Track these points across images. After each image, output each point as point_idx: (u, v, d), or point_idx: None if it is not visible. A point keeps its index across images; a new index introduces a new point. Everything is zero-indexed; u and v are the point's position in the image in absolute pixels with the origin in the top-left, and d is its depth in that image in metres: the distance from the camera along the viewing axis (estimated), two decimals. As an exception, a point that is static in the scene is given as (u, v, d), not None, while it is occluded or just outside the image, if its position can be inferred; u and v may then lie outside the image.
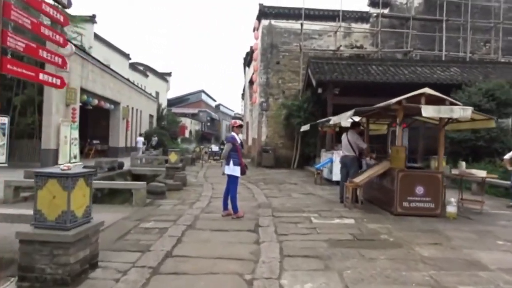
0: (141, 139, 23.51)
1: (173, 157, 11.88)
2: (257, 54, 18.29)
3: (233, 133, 6.09)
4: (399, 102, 6.03)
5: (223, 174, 6.15)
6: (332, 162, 10.56)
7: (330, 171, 10.78)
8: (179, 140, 38.51)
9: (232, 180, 5.89)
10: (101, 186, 7.48)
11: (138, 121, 26.27)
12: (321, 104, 15.67)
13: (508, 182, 7.67)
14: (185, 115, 51.55)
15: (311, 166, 15.76)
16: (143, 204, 6.68)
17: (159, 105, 32.95)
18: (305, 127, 12.76)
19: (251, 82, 21.01)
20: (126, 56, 29.48)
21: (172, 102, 54.76)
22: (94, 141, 22.37)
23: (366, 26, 17.87)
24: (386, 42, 17.69)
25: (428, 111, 5.25)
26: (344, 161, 7.23)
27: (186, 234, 4.79)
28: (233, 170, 5.80)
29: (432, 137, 15.01)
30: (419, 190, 6.05)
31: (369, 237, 4.74)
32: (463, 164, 7.09)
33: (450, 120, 6.19)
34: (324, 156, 11.78)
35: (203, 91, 60.14)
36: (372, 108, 6.37)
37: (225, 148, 5.91)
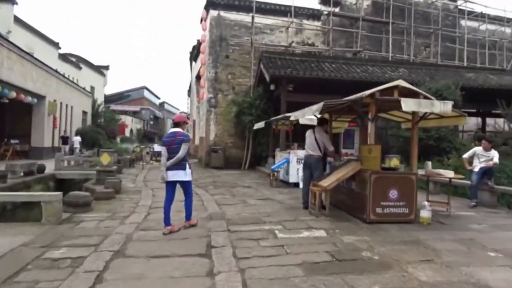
0: (77, 139, 20.89)
1: (105, 158, 10.11)
2: (204, 47, 16.96)
3: (180, 130, 4.97)
4: (372, 95, 5.30)
5: (164, 181, 4.90)
6: (289, 162, 9.75)
7: (287, 172, 9.95)
8: (118, 139, 35.50)
9: (188, 185, 5.06)
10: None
11: (69, 118, 23.25)
12: (274, 101, 14.93)
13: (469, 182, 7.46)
14: (125, 112, 48.02)
15: (263, 167, 14.90)
16: (57, 221, 5.11)
17: (94, 101, 29.76)
18: (259, 125, 11.82)
19: (198, 77, 19.58)
20: (55, 45, 26.00)
21: (111, 99, 50.71)
22: (12, 141, 19.18)
23: (318, 23, 17.55)
24: (337, 41, 17.55)
25: (408, 105, 4.56)
26: (308, 162, 6.37)
27: (111, 267, 3.48)
28: (189, 174, 4.97)
29: (383, 137, 15.12)
30: (393, 194, 5.39)
31: (349, 256, 3.86)
32: (429, 164, 6.68)
33: (425, 116, 5.64)
34: (280, 156, 10.94)
35: (146, 88, 56.69)
36: (342, 101, 5.58)
37: (183, 149, 4.79)
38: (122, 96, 56.08)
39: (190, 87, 29.29)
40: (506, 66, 18.63)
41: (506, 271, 3.53)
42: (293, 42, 16.52)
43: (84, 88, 27.44)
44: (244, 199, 7.52)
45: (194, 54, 22.44)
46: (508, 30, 20.12)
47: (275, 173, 9.83)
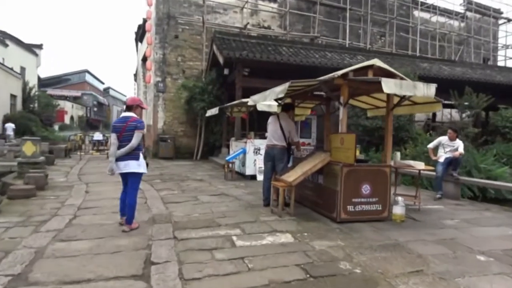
0: (10, 126, 18.28)
1: (28, 148, 8.42)
2: (150, 25, 15.31)
3: (133, 115, 4.24)
4: (344, 75, 4.59)
5: (113, 173, 4.19)
6: (245, 153, 8.89)
7: (243, 164, 9.10)
8: (55, 127, 32.05)
9: (137, 180, 4.28)
10: None
11: (-8, 102, 20.10)
12: (228, 87, 13.92)
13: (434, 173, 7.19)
14: (65, 98, 43.60)
15: (217, 157, 13.92)
16: None
17: (25, 84, 26.17)
18: (212, 111, 10.79)
19: (144, 59, 17.79)
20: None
21: (47, 82, 45.88)
22: None
23: (274, 5, 16.72)
24: (294, 25, 16.92)
25: (389, 86, 3.90)
26: (270, 153, 5.54)
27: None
28: (143, 165, 4.30)
29: (335, 126, 14.90)
30: (366, 189, 4.78)
31: (326, 270, 3.12)
32: (398, 154, 6.22)
33: (400, 102, 5.08)
34: (235, 146, 10.04)
35: (88, 71, 52.07)
36: (311, 82, 4.80)
37: (136, 137, 4.13)
38: (61, 79, 50.98)
39: (136, 71, 27.00)
40: (454, 58, 19.44)
41: (505, 281, 3.02)
42: (248, 23, 15.54)
43: (11, 69, 23.91)
44: (196, 195, 6.53)
45: (140, 34, 20.42)
46: (456, 23, 21.03)
47: (230, 165, 8.93)
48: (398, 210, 4.91)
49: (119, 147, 4.12)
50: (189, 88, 14.27)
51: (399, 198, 5.00)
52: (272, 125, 5.59)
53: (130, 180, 4.21)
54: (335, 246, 3.76)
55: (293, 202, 4.98)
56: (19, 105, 24.68)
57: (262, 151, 8.93)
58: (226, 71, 13.60)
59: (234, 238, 3.94)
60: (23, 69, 28.06)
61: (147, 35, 15.61)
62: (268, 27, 16.71)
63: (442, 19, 20.71)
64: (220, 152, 14.22)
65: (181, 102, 14.80)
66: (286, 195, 5.14)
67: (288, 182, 4.83)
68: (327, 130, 6.55)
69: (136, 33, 22.63)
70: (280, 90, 4.62)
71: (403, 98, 4.94)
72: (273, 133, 5.52)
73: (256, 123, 13.77)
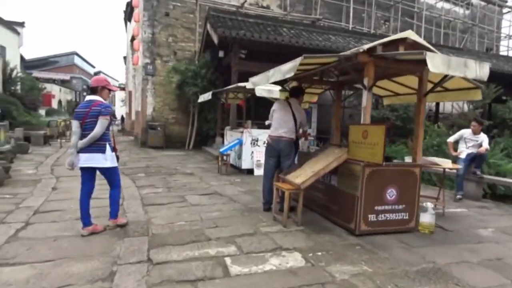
0: None
1: (-8, 135, 7.38)
2: (138, 0, 14.04)
3: (99, 98, 3.61)
4: (371, 50, 3.62)
5: (72, 168, 3.54)
6: (242, 144, 7.92)
7: (239, 156, 8.15)
8: (42, 111, 30.61)
9: (111, 174, 3.72)
10: None
11: (-33, 83, 18.66)
12: (223, 71, 12.83)
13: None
14: (53, 81, 41.84)
15: (210, 147, 12.95)
16: None
17: (5, 64, 24.59)
18: (204, 96, 9.75)
19: (133, 39, 16.53)
20: None
21: (33, 64, 43.96)
22: None
23: (274, -17, 15.49)
24: (294, 6, 15.75)
25: (435, 64, 2.93)
26: (276, 147, 4.57)
27: None
28: (112, 159, 3.66)
29: (339, 117, 13.94)
30: (391, 194, 3.87)
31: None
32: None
33: (439, 84, 4.12)
34: (230, 136, 9.06)
35: (77, 54, 50.11)
36: (329, 57, 3.82)
37: (100, 125, 3.51)
38: (48, 62, 48.92)
39: (127, 52, 25.63)
40: (458, 47, 18.50)
41: None
42: (245, 2, 14.33)
43: (-11, 47, 22.39)
44: (183, 194, 5.57)
45: (129, 12, 19.07)
46: (461, 10, 20.00)
47: (225, 157, 7.96)
48: (427, 218, 4.03)
49: (82, 137, 3.51)
50: (180, 72, 13.14)
51: (428, 204, 4.10)
52: (280, 112, 4.61)
53: (106, 176, 3.70)
54: (360, 274, 2.85)
55: (301, 209, 4.05)
56: (-2, 87, 23.20)
57: (261, 142, 7.98)
58: (221, 54, 12.49)
59: (228, 261, 3.01)
60: (2, 48, 26.38)
61: (135, 11, 14.34)
62: (267, 7, 15.53)
63: (447, 5, 19.67)
64: (214, 142, 13.23)
65: (172, 87, 13.70)
66: (292, 199, 4.21)
67: (296, 185, 3.89)
68: (336, 120, 5.62)
69: (125, 12, 21.24)
70: (289, 68, 3.63)
71: (441, 81, 3.98)
72: (281, 122, 4.54)
73: (253, 111, 12.79)
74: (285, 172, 4.36)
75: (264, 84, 4.68)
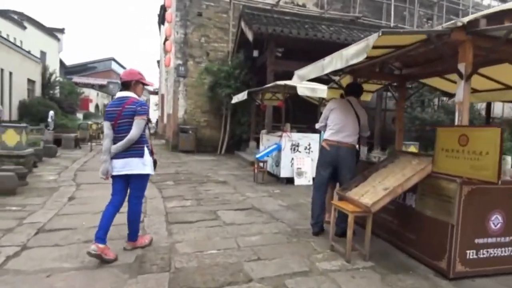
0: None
1: (10, 137, 6.94)
2: (170, 0, 13.63)
3: (132, 95, 3.08)
4: (472, 25, 2.61)
5: (107, 177, 3.03)
6: (280, 149, 7.03)
7: (277, 163, 7.26)
8: (79, 115, 31.55)
9: (142, 184, 3.16)
10: None
11: (6, 87, 19.21)
12: (257, 71, 12.06)
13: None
14: (91, 86, 43.38)
15: (244, 152, 12.17)
16: None
17: (45, 69, 25.38)
18: (239, 97, 8.98)
19: (165, 41, 16.23)
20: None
21: (73, 70, 45.84)
22: None
23: (310, -20, 14.54)
24: (332, 4, 14.68)
25: None
26: (334, 155, 3.64)
27: None
28: (150, 164, 3.14)
29: (381, 120, 12.70)
30: (496, 221, 2.82)
31: None
32: (509, 160, 4.12)
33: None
34: (266, 140, 8.19)
35: (114, 59, 51.75)
36: (414, 34, 2.86)
37: (137, 127, 2.98)
38: (87, 67, 50.93)
39: (160, 56, 25.68)
40: None
41: None
42: (280, 0, 13.49)
43: (29, 52, 23.11)
44: (215, 208, 4.75)
45: (162, 15, 18.88)
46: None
47: (261, 164, 7.10)
48: (548, 258, 2.91)
49: (115, 140, 3.01)
50: (213, 73, 12.52)
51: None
52: (340, 112, 3.69)
53: (133, 186, 3.09)
54: None
55: (369, 237, 3.08)
56: (38, 91, 23.93)
57: (302, 148, 7.06)
58: (255, 53, 11.75)
59: (279, 318, 2.12)
60: (43, 53, 27.30)
61: (168, 11, 13.96)
62: (303, 6, 14.58)
63: (495, 2, 17.72)
64: (248, 146, 12.46)
65: (204, 89, 13.11)
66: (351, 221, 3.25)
67: (364, 206, 2.93)
68: (400, 122, 4.57)
69: (159, 15, 21.16)
70: (356, 51, 2.70)
71: None
72: (342, 125, 3.62)
73: (292, 113, 11.88)
74: (344, 188, 3.41)
75: (317, 76, 3.74)
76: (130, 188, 3.09)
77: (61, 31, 30.47)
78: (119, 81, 3.15)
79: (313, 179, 4.00)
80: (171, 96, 14.45)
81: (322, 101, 8.04)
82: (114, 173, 2.99)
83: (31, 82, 22.69)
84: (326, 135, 3.76)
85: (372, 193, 3.02)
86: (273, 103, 9.83)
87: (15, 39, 22.55)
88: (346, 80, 4.56)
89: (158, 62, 27.85)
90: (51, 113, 17.95)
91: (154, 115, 37.34)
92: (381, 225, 3.62)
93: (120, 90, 3.07)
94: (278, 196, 5.76)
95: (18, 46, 21.24)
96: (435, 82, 4.60)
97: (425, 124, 9.18)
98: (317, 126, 4.16)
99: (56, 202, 4.81)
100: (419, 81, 4.87)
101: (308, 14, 12.61)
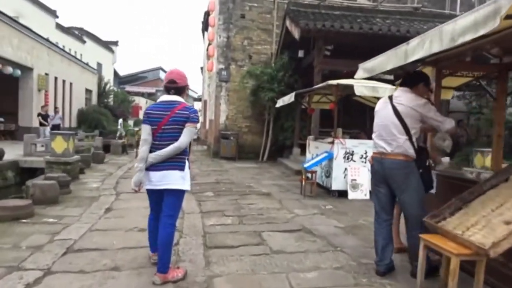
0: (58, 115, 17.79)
1: (58, 144, 6.90)
2: (214, 3, 13.35)
3: (181, 99, 2.70)
4: None
5: (139, 189, 2.67)
6: (332, 158, 6.17)
7: (327, 173, 6.40)
8: (130, 122, 32.90)
9: (178, 201, 2.71)
10: None
11: (67, 96, 20.37)
12: (302, 73, 11.29)
13: None
14: (141, 94, 45.47)
15: (287, 159, 11.41)
16: None
17: (100, 79, 26.74)
18: (285, 100, 8.27)
19: (208, 46, 16.05)
20: (52, 12, 23.03)
21: (126, 80, 48.58)
22: (-5, 119, 16.65)
23: (361, -28, 13.50)
24: (386, -4, 13.52)
25: None
26: (380, 170, 2.83)
27: None
28: (188, 179, 2.70)
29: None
30: None
31: None
32: None
33: None
34: (315, 148, 7.35)
35: (161, 68, 53.72)
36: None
37: (187, 134, 2.62)
38: (138, 77, 53.59)
39: (203, 63, 25.86)
40: None
41: None
42: (328, -6, 12.61)
43: (87, 64, 24.43)
44: (260, 229, 4.04)
45: (205, 21, 18.83)
46: None
47: (310, 175, 6.28)
48: None
49: (153, 148, 2.62)
50: (255, 76, 11.96)
51: None
52: (377, 114, 2.90)
53: (167, 202, 2.67)
54: None
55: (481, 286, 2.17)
56: (94, 100, 25.22)
57: (357, 157, 6.15)
58: (300, 53, 11.01)
59: None
60: (99, 65, 28.94)
61: (211, 15, 13.71)
62: None
63: None
64: (291, 153, 11.68)
65: (246, 93, 12.59)
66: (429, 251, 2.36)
67: (477, 247, 2.04)
68: (500, 127, 3.53)
69: (203, 22, 21.23)
70: (479, 18, 1.83)
71: None
72: (380, 130, 2.82)
73: (342, 117, 10.91)
74: (434, 215, 2.52)
75: (396, 66, 2.89)
76: (164, 205, 2.68)
77: (115, 43, 32.16)
78: (169, 84, 2.70)
79: (370, 193, 3.17)
80: (213, 101, 14.14)
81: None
82: (149, 187, 2.65)
83: (88, 91, 23.97)
84: (372, 145, 2.94)
85: (485, 227, 2.12)
86: (321, 106, 8.98)
87: (75, 52, 24.11)
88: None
89: (202, 69, 28.12)
90: (120, 121, 18.74)
91: (197, 121, 37.95)
92: (492, 269, 2.65)
93: (167, 92, 2.69)
94: (332, 213, 4.92)
95: (78, 59, 22.57)
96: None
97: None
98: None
99: (92, 214, 4.46)
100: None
101: (361, 7, 11.57)
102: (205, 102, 21.12)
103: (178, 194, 2.66)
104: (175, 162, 2.59)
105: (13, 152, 10.06)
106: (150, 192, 2.73)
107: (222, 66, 12.98)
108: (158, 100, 2.72)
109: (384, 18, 10.29)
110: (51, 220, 4.16)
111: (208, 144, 16.06)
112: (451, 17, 11.66)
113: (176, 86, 2.67)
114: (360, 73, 3.31)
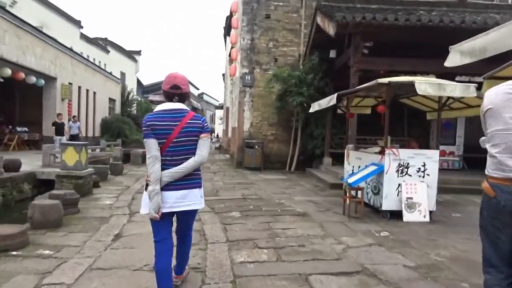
0: (77, 125, 17.44)
1: (70, 156, 6.25)
2: (237, 4, 12.64)
3: (187, 107, 2.38)
4: None
5: (157, 216, 2.19)
6: (383, 171, 5.13)
7: (376, 190, 5.35)
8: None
9: (194, 220, 2.62)
10: None
11: (91, 105, 20.29)
12: (334, 75, 10.32)
13: None
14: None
15: (317, 169, 10.40)
16: None
17: (124, 88, 26.74)
18: (322, 103, 7.24)
19: (231, 50, 15.34)
20: (76, 23, 23.21)
21: (149, 89, 49.04)
22: (19, 128, 16.66)
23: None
24: (426, -11, 12.34)
25: None
26: None
27: None
28: (203, 195, 2.46)
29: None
30: None
31: None
32: None
33: None
34: (357, 159, 6.30)
35: (184, 77, 54.17)
36: None
37: (207, 147, 2.38)
38: (160, 86, 54.01)
39: (225, 69, 25.31)
40: None
41: None
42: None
43: (111, 73, 24.45)
44: (305, 271, 3.06)
45: (228, 26, 18.21)
46: None
47: (353, 192, 5.26)
48: None
49: (165, 166, 2.24)
50: (282, 79, 11.06)
51: None
52: (505, 115, 1.74)
53: (188, 222, 2.53)
54: None
55: None
56: (117, 109, 25.18)
57: (413, 170, 5.09)
58: (332, 54, 10.07)
59: None
60: (123, 74, 29.04)
61: (234, 17, 13.01)
62: (389, -5, 12.49)
63: None
64: (321, 163, 10.66)
65: (272, 98, 11.71)
66: None
67: None
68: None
69: (225, 27, 20.69)
70: None
71: None
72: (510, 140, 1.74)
73: (373, 123, 9.79)
74: None
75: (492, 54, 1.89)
76: (183, 226, 2.54)
77: (138, 53, 32.33)
78: (172, 90, 2.31)
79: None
80: (236, 108, 13.35)
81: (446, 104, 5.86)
82: (165, 210, 2.22)
83: (112, 100, 23.91)
84: (488, 164, 1.85)
85: None
86: (359, 110, 7.96)
87: (100, 62, 24.21)
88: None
89: (223, 75, 27.59)
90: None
91: (218, 128, 37.55)
92: None
93: (171, 101, 2.32)
94: (390, 243, 3.89)
95: (101, 68, 22.55)
96: None
97: None
98: (481, 141, 2.26)
99: (98, 243, 3.68)
100: None
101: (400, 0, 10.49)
102: (227, 109, 20.44)
103: (196, 213, 2.52)
104: (194, 179, 2.33)
105: (32, 163, 9.63)
106: (166, 216, 2.26)
107: (245, 70, 12.19)
108: (160, 109, 2.30)
109: (428, 10, 9.13)
110: (46, 252, 3.38)
111: (231, 154, 15.26)
112: (509, 7, 10.38)
113: (181, 92, 2.33)
114: (454, 59, 2.32)
